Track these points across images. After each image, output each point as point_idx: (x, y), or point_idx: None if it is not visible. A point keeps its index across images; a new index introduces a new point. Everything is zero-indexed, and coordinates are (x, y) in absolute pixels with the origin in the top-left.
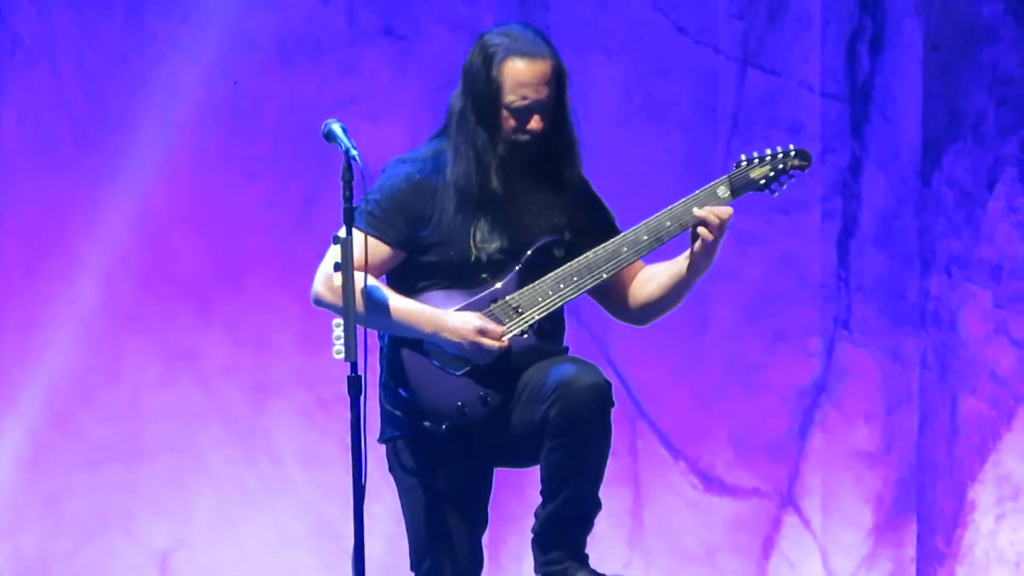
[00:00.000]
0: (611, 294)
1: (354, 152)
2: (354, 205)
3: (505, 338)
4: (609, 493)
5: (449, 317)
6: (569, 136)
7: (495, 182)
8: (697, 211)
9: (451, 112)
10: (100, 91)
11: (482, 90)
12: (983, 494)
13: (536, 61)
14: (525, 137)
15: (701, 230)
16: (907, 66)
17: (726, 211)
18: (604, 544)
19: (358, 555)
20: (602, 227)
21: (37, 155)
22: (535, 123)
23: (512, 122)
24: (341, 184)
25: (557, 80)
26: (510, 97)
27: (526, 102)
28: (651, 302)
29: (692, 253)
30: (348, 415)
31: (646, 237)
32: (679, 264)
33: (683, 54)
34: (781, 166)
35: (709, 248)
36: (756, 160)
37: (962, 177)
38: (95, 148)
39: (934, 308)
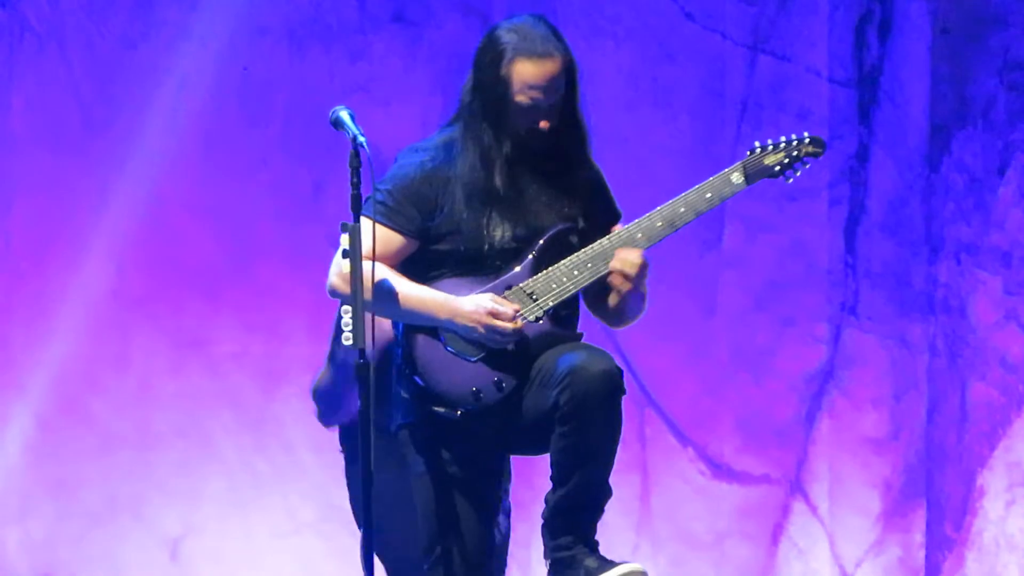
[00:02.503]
0: (593, 291)
1: (362, 139)
2: (361, 192)
3: (519, 319)
4: (617, 479)
5: (463, 302)
6: (579, 130)
7: (499, 180)
8: (611, 264)
9: (462, 103)
10: (109, 77)
11: (490, 88)
12: (992, 480)
13: (545, 61)
14: (533, 135)
15: (613, 279)
16: (915, 51)
17: (636, 258)
18: (612, 530)
19: (367, 540)
20: (608, 215)
21: (46, 141)
22: (543, 123)
23: (521, 120)
24: (349, 171)
25: (567, 77)
26: (519, 97)
27: (534, 102)
28: (609, 309)
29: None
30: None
31: (660, 224)
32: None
33: (691, 40)
34: (795, 153)
35: (629, 291)
36: (770, 147)
37: (971, 163)
38: (104, 134)
39: (943, 295)
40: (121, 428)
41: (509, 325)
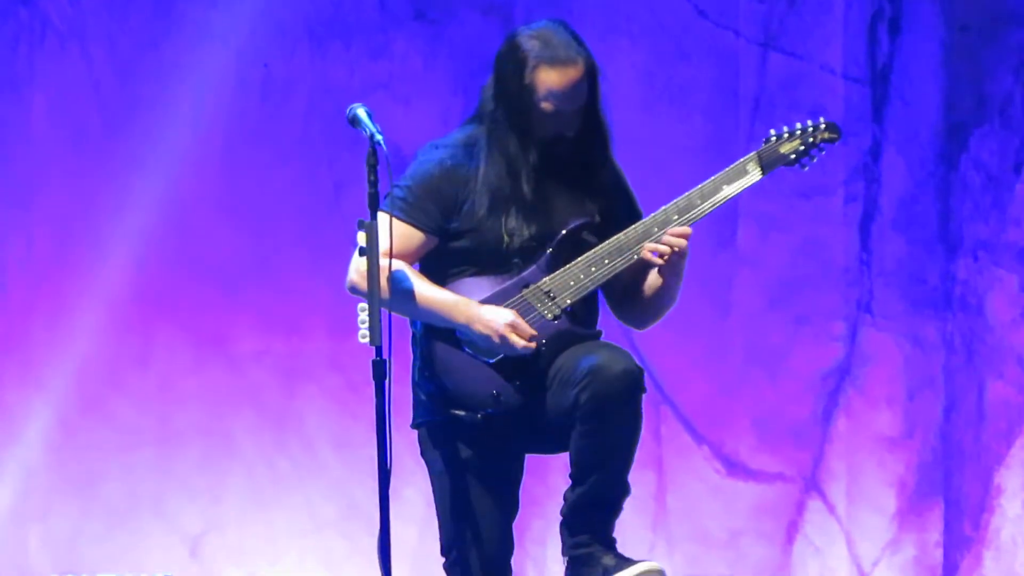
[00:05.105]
0: (616, 290)
1: (379, 137)
2: (379, 190)
3: (535, 342)
4: (633, 478)
5: (483, 310)
6: (602, 133)
7: (526, 188)
8: (649, 245)
9: (484, 107)
10: (130, 75)
11: (514, 96)
12: (1010, 479)
13: (568, 68)
14: (558, 141)
15: (661, 259)
16: (925, 48)
17: (682, 240)
18: (628, 528)
19: (384, 539)
20: (630, 214)
21: (67, 139)
22: (568, 128)
23: (546, 127)
24: (366, 168)
25: (589, 82)
26: (543, 104)
27: (558, 109)
28: (644, 300)
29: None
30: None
31: (676, 217)
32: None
33: (704, 37)
34: (811, 140)
35: (674, 271)
36: (786, 135)
37: (989, 160)
38: (125, 132)
39: (961, 292)
40: (142, 426)
41: (523, 343)
